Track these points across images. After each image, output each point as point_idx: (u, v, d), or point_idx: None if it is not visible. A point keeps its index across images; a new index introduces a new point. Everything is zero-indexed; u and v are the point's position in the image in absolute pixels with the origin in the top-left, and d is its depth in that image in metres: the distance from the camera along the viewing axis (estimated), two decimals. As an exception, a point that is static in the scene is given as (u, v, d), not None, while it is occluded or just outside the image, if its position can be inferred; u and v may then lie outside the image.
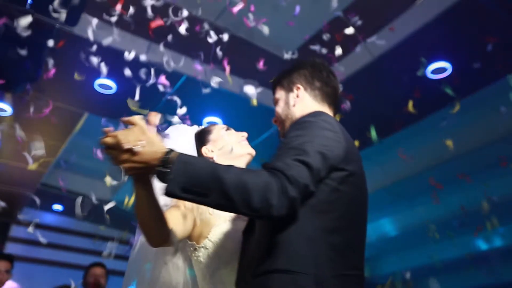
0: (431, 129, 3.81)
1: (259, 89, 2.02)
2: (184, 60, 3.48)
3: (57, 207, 6.47)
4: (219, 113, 4.13)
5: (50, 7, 2.23)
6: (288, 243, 1.11)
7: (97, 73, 2.43)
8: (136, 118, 1.09)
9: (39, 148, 2.43)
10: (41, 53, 3.06)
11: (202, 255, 1.41)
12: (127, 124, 1.10)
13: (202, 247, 1.41)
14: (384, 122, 4.18)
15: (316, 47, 2.90)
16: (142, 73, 2.32)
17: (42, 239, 3.05)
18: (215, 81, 2.06)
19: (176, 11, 2.47)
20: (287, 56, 3.00)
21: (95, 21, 2.35)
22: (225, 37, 2.48)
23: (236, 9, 2.59)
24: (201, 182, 1.03)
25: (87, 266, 3.75)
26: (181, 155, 1.06)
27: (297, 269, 1.07)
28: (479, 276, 5.67)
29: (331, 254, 1.11)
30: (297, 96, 1.44)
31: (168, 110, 2.14)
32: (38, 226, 6.39)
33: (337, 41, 2.90)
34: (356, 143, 1.37)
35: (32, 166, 2.28)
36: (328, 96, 1.45)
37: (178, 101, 1.99)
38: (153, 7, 2.38)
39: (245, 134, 1.68)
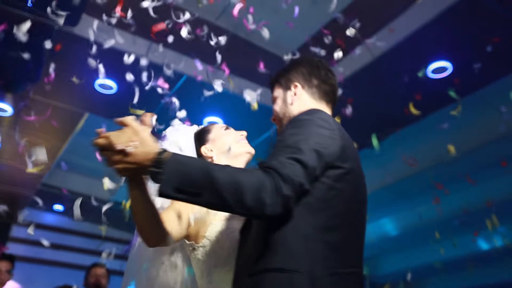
0: (432, 128, 3.81)
1: (259, 91, 2.02)
2: (184, 60, 3.49)
3: (58, 207, 6.48)
4: (219, 113, 4.13)
5: (50, 8, 2.24)
6: (283, 242, 1.10)
7: (97, 73, 2.43)
8: (129, 119, 1.09)
9: (41, 155, 2.42)
10: (41, 53, 3.06)
11: (200, 254, 1.41)
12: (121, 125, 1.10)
13: (201, 246, 1.41)
14: (385, 122, 4.18)
15: (316, 49, 2.90)
16: (143, 73, 2.32)
17: (46, 242, 3.04)
18: (217, 84, 2.06)
19: (177, 12, 2.47)
20: (287, 57, 3.00)
21: (95, 21, 2.35)
22: (225, 38, 2.48)
23: (236, 10, 2.59)
24: (193, 182, 1.02)
25: (89, 266, 3.76)
26: (174, 155, 1.06)
27: (292, 268, 1.07)
28: (479, 276, 5.67)
29: (326, 252, 1.10)
30: (295, 94, 1.44)
31: (168, 110, 2.14)
32: (39, 226, 6.40)
33: (337, 41, 2.90)
34: (356, 145, 1.36)
35: (31, 169, 2.28)
36: (326, 94, 1.44)
37: (177, 103, 1.98)
38: (153, 7, 2.38)
39: (244, 133, 1.68)
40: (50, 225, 6.54)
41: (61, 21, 2.17)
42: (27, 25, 2.17)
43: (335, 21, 3.05)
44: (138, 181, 1.13)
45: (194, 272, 1.47)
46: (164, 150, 1.07)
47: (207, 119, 4.13)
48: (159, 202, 1.32)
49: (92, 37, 2.29)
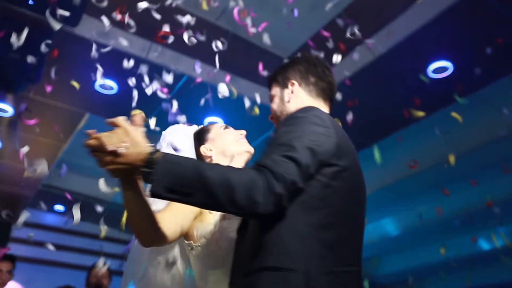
0: (432, 128, 3.81)
1: (259, 92, 2.03)
2: (185, 60, 3.49)
3: (59, 207, 6.48)
4: (220, 113, 4.13)
5: (50, 8, 2.24)
6: (278, 241, 1.09)
7: (97, 74, 2.43)
8: (120, 119, 1.08)
9: (42, 168, 2.43)
10: (42, 53, 3.06)
11: (198, 253, 1.41)
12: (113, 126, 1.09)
13: (199, 246, 1.41)
14: (385, 122, 4.18)
15: (315, 49, 2.90)
16: (143, 73, 2.33)
17: (51, 247, 3.03)
18: (222, 90, 2.06)
19: (177, 12, 2.47)
20: (287, 58, 3.01)
21: (96, 21, 2.36)
22: (226, 40, 2.49)
23: (236, 10, 2.59)
24: (185, 181, 1.02)
25: (90, 266, 3.76)
26: (166, 155, 1.05)
27: (287, 266, 1.06)
28: (479, 276, 5.66)
29: (322, 251, 1.09)
30: (292, 92, 1.43)
31: (169, 112, 2.15)
32: (40, 226, 6.41)
33: (337, 41, 2.91)
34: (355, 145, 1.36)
35: (29, 173, 2.29)
36: (323, 91, 1.44)
37: (175, 105, 1.99)
38: (153, 7, 2.38)
39: (243, 132, 1.67)
40: (51, 226, 6.54)
41: (57, 26, 2.16)
42: (25, 32, 2.18)
43: (335, 21, 3.05)
44: (131, 182, 1.12)
45: (193, 272, 1.47)
46: (156, 150, 1.06)
47: (208, 119, 4.14)
48: (156, 205, 1.32)
49: (92, 37, 2.29)
